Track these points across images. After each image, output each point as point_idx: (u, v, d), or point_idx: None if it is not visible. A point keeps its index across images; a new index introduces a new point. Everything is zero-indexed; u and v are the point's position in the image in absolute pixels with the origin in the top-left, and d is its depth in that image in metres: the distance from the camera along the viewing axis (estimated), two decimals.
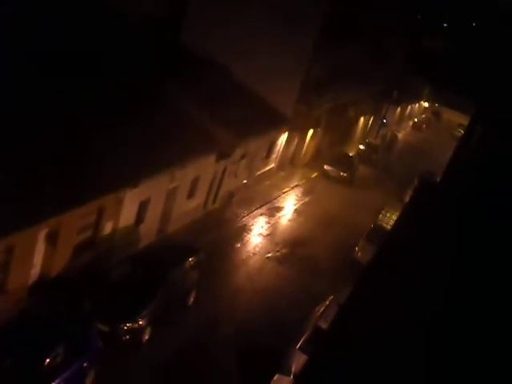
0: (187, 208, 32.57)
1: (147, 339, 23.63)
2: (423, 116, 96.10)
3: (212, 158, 32.65)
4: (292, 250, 34.83)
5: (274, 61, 39.09)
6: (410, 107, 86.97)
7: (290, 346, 23.82)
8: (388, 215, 38.33)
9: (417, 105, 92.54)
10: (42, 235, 22.27)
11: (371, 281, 14.50)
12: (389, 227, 34.92)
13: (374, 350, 12.30)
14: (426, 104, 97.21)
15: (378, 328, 12.69)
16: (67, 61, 26.81)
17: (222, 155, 33.43)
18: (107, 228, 25.73)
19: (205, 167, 32.24)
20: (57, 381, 18.96)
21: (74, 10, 30.17)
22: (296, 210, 41.17)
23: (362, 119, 62.19)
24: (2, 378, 18.11)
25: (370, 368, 12.00)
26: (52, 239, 22.73)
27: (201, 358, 23.83)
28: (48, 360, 18.78)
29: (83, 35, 29.04)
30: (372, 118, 66.03)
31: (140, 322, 23.09)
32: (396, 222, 21.00)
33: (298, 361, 22.56)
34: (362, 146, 60.57)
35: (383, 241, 18.48)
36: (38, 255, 22.49)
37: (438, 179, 42.17)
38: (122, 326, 22.78)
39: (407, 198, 39.19)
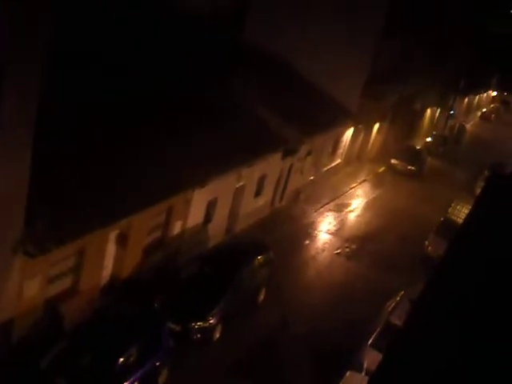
0: (254, 206, 32.59)
1: (218, 337, 23.71)
2: (492, 106, 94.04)
3: (278, 156, 32.58)
4: (361, 245, 34.52)
5: (337, 54, 38.78)
6: (477, 97, 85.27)
7: (361, 342, 23.59)
8: (458, 208, 37.64)
9: (485, 94, 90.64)
10: (112, 236, 22.58)
11: (444, 276, 14.21)
12: (459, 220, 34.28)
13: (448, 347, 12.05)
14: (494, 93, 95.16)
15: (452, 325, 12.43)
16: (132, 60, 27.03)
17: (288, 152, 33.31)
18: (176, 228, 25.93)
19: (271, 165, 32.19)
20: (130, 379, 19.17)
21: (137, 11, 30.39)
22: (364, 205, 40.80)
23: (428, 111, 61.25)
24: (79, 376, 18.46)
25: (444, 366, 11.75)
26: (122, 240, 23.03)
27: (272, 356, 23.79)
28: (122, 359, 19.01)
29: (146, 35, 29.24)
30: (439, 110, 64.96)
31: (211, 321, 23.18)
32: (468, 215, 20.56)
33: (369, 357, 22.32)
34: (429, 139, 59.67)
35: (455, 235, 18.10)
36: (109, 256, 22.81)
37: (510, 170, 41.27)
38: (192, 324, 22.91)
39: (478, 191, 38.44)
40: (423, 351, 11.96)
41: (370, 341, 23.33)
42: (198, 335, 22.99)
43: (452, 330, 12.27)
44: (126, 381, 19.01)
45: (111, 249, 22.84)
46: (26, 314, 19.29)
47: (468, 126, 73.76)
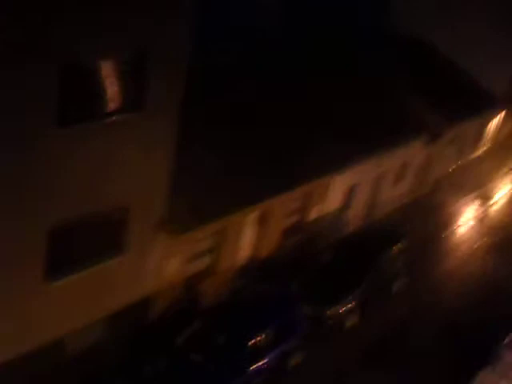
0: (394, 193, 32.10)
1: (351, 325, 23.63)
2: None
3: (420, 142, 31.89)
4: (503, 239, 33.28)
5: (488, 41, 37.36)
6: None
7: (497, 342, 22.85)
8: None
9: None
10: (251, 218, 22.86)
11: None
12: None
13: None
14: None
15: None
16: (284, 39, 27.20)
17: (431, 139, 32.55)
18: (314, 212, 25.97)
19: (413, 152, 31.57)
20: (263, 360, 19.55)
21: None
22: (509, 197, 39.30)
23: None
24: (214, 354, 18.94)
25: None
26: (261, 222, 23.29)
27: (404, 346, 23.50)
28: (255, 340, 19.31)
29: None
30: None
31: (345, 308, 23.13)
32: None
33: (505, 359, 21.63)
34: None
35: None
36: (247, 238, 23.14)
37: None
38: (327, 310, 22.94)
39: None
40: None
41: (506, 341, 22.58)
42: (332, 321, 23.00)
43: None
44: (258, 361, 19.36)
45: (250, 230, 23.15)
46: (165, 291, 19.91)
47: None
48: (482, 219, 35.08)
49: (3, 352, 15.96)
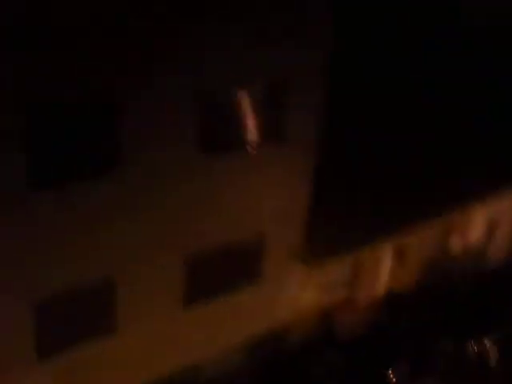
0: None
1: (496, 363, 22.65)
2: None
3: None
4: None
5: None
6: None
7: None
8: None
9: None
10: (388, 250, 22.53)
11: None
12: None
13: None
14: None
15: None
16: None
17: None
18: (455, 245, 25.26)
19: None
20: None
21: None
22: None
23: None
24: None
25: None
26: (399, 255, 22.91)
27: None
28: (390, 374, 18.98)
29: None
30: None
31: (488, 343, 22.28)
32: None
33: None
34: None
35: None
36: (384, 270, 22.81)
37: None
38: (467, 346, 22.16)
39: None
40: None
41: None
42: (473, 358, 22.18)
43: None
44: None
45: (387, 263, 22.81)
46: (301, 321, 19.89)
47: None
48: None
49: (143, 375, 16.43)
